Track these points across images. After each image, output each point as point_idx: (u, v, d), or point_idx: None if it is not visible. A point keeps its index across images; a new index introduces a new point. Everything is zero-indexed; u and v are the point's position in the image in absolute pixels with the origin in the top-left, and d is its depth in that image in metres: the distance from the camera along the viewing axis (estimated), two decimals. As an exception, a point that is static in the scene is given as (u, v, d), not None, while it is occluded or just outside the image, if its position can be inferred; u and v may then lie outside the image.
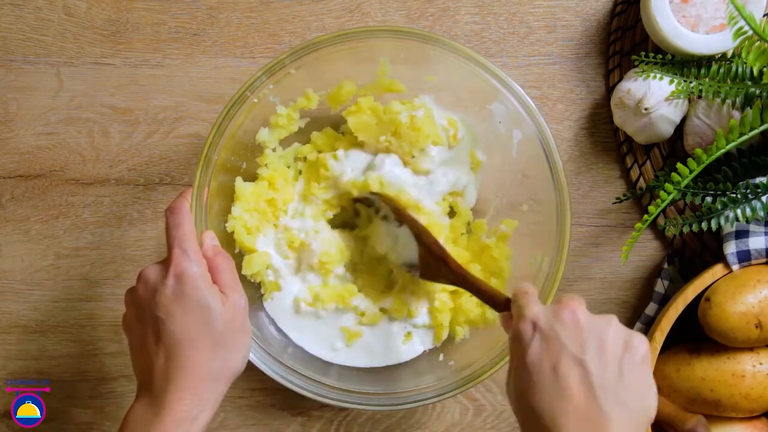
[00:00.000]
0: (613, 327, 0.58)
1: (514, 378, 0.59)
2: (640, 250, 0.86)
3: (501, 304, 0.68)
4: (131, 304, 0.67)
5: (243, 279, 0.77)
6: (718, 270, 0.77)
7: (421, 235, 0.76)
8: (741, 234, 0.77)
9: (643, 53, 0.81)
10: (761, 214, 0.74)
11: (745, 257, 0.77)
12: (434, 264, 0.75)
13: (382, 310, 0.81)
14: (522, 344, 0.58)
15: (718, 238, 0.82)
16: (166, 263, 0.66)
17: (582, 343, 0.57)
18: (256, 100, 0.75)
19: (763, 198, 0.74)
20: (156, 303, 0.64)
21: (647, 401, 0.57)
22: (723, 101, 0.77)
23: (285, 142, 0.82)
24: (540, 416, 0.56)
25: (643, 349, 0.58)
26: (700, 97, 0.79)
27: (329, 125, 0.83)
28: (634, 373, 0.57)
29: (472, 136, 0.82)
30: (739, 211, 0.74)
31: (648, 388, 0.57)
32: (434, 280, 0.76)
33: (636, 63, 0.81)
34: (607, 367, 0.56)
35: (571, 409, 0.55)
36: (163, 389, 0.63)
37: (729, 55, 0.80)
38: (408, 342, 0.80)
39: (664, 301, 0.82)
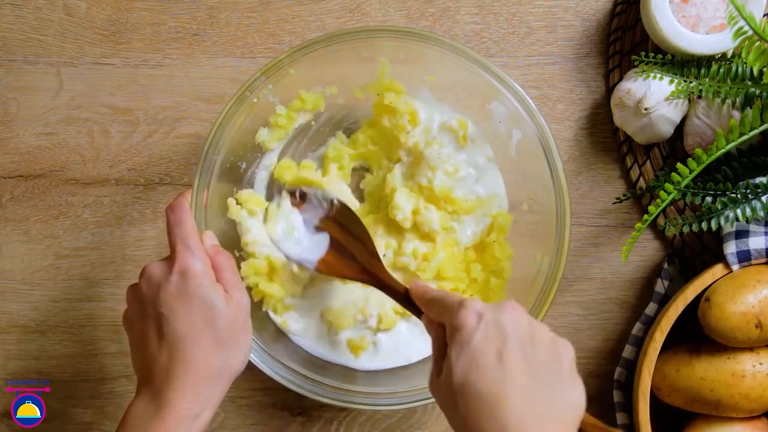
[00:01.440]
0: (545, 333, 0.60)
1: (455, 365, 0.59)
2: (640, 250, 0.86)
3: (402, 296, 0.70)
4: (133, 300, 0.67)
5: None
6: (718, 270, 0.77)
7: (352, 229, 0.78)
8: (741, 234, 0.77)
9: (643, 53, 0.81)
10: (761, 214, 0.74)
11: (745, 257, 0.77)
12: (342, 259, 0.77)
13: (396, 312, 0.81)
14: (465, 332, 0.59)
15: (718, 238, 0.82)
16: (169, 260, 0.66)
17: (524, 336, 0.59)
18: (255, 100, 0.75)
19: (763, 198, 0.74)
20: (159, 299, 0.64)
21: (579, 400, 0.59)
22: (723, 101, 0.77)
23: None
24: (483, 397, 0.56)
25: (571, 356, 0.60)
26: (700, 97, 0.79)
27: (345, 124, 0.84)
28: (566, 374, 0.59)
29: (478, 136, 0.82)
30: (739, 211, 0.74)
31: (578, 388, 0.59)
32: (335, 275, 0.77)
33: (636, 63, 0.81)
34: (545, 361, 0.58)
35: (515, 389, 0.56)
36: (165, 386, 0.63)
37: (729, 55, 0.80)
38: (419, 342, 0.80)
39: (664, 301, 0.82)
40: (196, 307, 0.64)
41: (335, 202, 0.78)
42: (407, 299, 0.69)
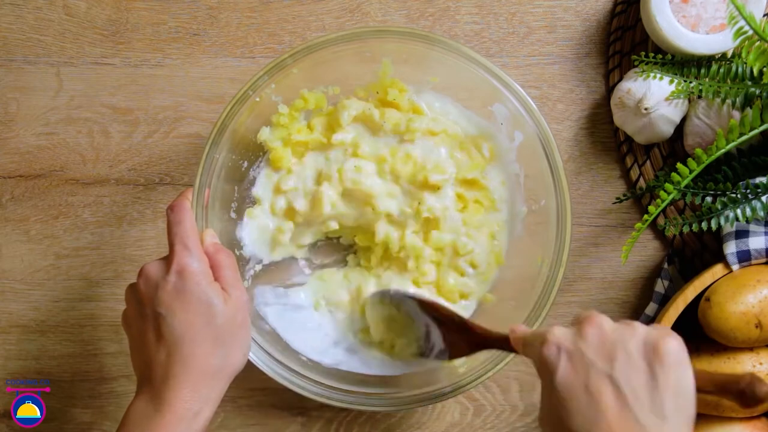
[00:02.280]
0: (638, 334, 0.56)
1: (548, 405, 0.57)
2: (640, 250, 0.86)
3: (506, 345, 0.66)
4: (132, 300, 0.67)
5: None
6: (718, 270, 0.77)
7: (442, 317, 0.73)
8: (741, 234, 0.77)
9: (643, 53, 0.81)
10: (761, 214, 0.74)
11: (745, 257, 0.77)
12: (458, 338, 0.72)
13: None
14: (549, 368, 0.57)
15: (718, 238, 0.82)
16: (167, 259, 0.66)
17: (609, 357, 0.55)
18: (258, 99, 0.75)
19: (763, 198, 0.74)
20: (157, 299, 0.64)
21: (686, 403, 0.55)
22: (723, 101, 0.77)
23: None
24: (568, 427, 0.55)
25: (673, 351, 0.55)
26: (700, 97, 0.79)
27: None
28: (667, 377, 0.54)
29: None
30: (739, 211, 0.74)
31: (685, 389, 0.55)
32: (464, 354, 0.73)
33: (636, 63, 0.81)
34: (638, 378, 0.55)
35: (607, 427, 0.54)
36: (164, 385, 0.63)
37: (729, 55, 0.80)
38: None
39: (664, 301, 0.82)
40: (194, 306, 0.64)
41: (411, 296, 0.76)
42: (509, 347, 0.66)
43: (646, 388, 0.54)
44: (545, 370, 0.57)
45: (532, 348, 0.60)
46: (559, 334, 0.58)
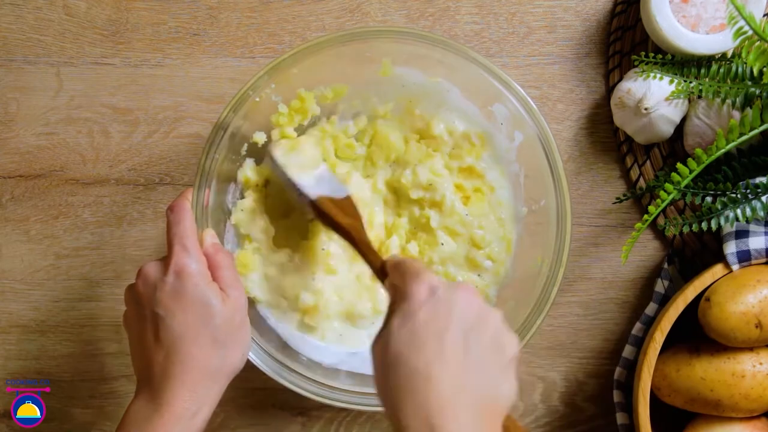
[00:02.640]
0: (495, 323, 0.60)
1: (395, 334, 0.58)
2: (640, 250, 0.86)
3: (377, 268, 0.68)
4: (130, 301, 0.67)
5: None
6: (718, 270, 0.77)
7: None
8: (741, 234, 0.77)
9: (643, 53, 0.81)
10: (761, 214, 0.74)
11: (745, 257, 0.77)
12: (338, 208, 0.74)
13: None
14: (413, 303, 0.59)
15: (718, 238, 0.82)
16: (166, 260, 0.66)
17: (470, 324, 0.58)
18: (258, 99, 0.75)
19: (763, 198, 0.74)
20: (155, 300, 0.64)
21: (509, 393, 0.59)
22: (723, 101, 0.77)
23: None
24: (414, 374, 0.56)
25: (513, 350, 0.60)
26: (700, 97, 0.79)
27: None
28: (503, 365, 0.59)
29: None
30: (739, 211, 0.74)
31: (511, 383, 0.60)
32: (329, 215, 0.73)
33: (636, 63, 0.81)
34: (485, 350, 0.58)
35: (447, 373, 0.56)
36: (163, 386, 0.63)
37: (729, 55, 0.80)
38: None
39: (664, 301, 0.82)
40: (192, 307, 0.64)
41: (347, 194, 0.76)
42: (382, 270, 0.67)
43: (486, 362, 0.58)
44: (407, 303, 0.59)
45: (404, 276, 0.61)
46: (436, 279, 0.60)
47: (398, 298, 0.61)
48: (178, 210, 0.67)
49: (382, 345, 0.59)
